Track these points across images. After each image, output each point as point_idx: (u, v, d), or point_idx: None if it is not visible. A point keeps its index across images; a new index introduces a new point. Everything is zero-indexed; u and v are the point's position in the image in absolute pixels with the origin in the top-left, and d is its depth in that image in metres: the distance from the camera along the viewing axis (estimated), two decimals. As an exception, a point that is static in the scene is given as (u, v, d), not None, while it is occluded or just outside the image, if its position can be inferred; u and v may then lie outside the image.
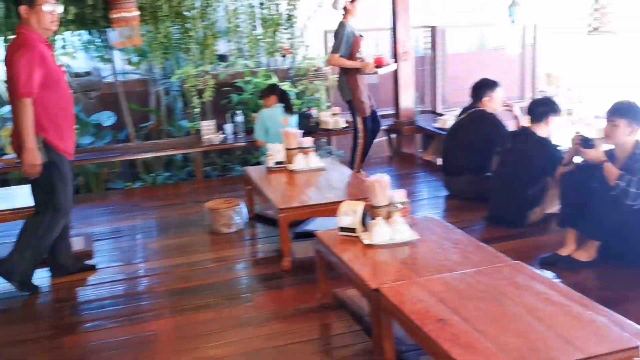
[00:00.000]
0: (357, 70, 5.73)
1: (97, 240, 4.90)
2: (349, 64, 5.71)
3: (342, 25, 5.74)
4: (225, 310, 3.63)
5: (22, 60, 3.62)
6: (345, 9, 5.76)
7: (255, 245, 4.79)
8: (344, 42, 5.67)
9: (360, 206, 3.41)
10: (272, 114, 6.10)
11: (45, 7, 3.71)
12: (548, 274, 3.45)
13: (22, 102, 3.63)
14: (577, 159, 3.96)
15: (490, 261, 2.92)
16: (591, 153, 3.72)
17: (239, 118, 6.77)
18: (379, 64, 5.81)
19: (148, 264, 4.49)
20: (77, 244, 4.54)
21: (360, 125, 5.85)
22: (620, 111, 3.69)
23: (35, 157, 3.69)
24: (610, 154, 3.75)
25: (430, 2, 8.75)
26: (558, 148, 4.59)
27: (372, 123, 5.93)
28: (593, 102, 7.10)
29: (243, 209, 5.10)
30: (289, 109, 6.12)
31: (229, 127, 6.71)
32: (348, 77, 5.77)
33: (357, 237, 3.32)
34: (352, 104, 5.85)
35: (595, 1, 4.67)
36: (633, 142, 3.68)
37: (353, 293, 3.37)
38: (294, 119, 6.16)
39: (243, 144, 6.67)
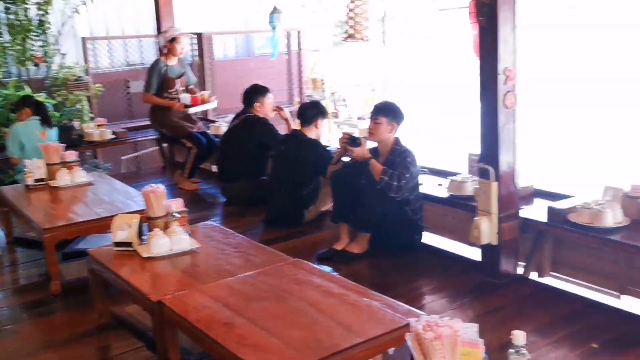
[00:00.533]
0: (168, 108, 5.88)
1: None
2: (159, 102, 5.87)
3: (156, 62, 5.96)
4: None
5: None
6: (165, 46, 5.92)
7: (16, 272, 4.32)
8: (155, 80, 5.85)
9: (135, 219, 3.26)
10: (26, 127, 5.58)
11: None
12: (326, 268, 3.60)
13: None
14: (346, 158, 4.20)
15: (271, 261, 2.96)
16: (357, 151, 3.96)
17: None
18: (194, 103, 5.91)
19: None
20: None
21: (188, 144, 5.88)
22: (382, 110, 4.01)
23: None
24: (374, 151, 4.04)
25: (195, 9, 8.71)
26: (328, 148, 4.84)
27: (207, 140, 5.96)
28: (356, 104, 7.66)
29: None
30: (46, 122, 5.66)
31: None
32: (156, 110, 5.97)
33: (134, 251, 3.16)
34: (166, 134, 6.10)
35: (349, 10, 5.00)
36: (393, 138, 4.01)
37: (134, 309, 3.19)
38: (53, 132, 5.72)
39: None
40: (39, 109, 5.71)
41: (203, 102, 6.01)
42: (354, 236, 4.06)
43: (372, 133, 4.02)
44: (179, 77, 6.07)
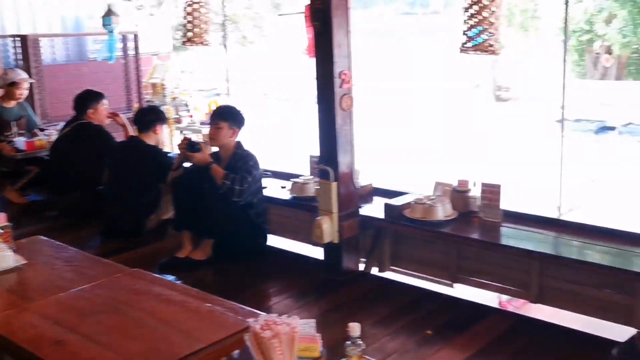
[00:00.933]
0: None
1: None
2: None
3: None
4: None
5: None
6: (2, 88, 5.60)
7: None
8: None
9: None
10: None
11: None
12: (169, 277, 3.49)
13: None
14: (187, 164, 4.10)
15: (107, 273, 2.80)
16: (198, 156, 3.89)
17: None
18: (28, 148, 5.53)
19: None
20: None
21: (29, 167, 5.52)
22: (222, 115, 3.97)
23: None
24: (216, 156, 3.98)
25: (19, 10, 8.09)
26: (168, 154, 4.70)
27: None
28: (199, 109, 7.55)
29: None
30: None
31: None
32: None
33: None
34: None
35: (187, 14, 4.90)
36: (235, 142, 3.98)
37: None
38: None
39: None
40: None
41: (40, 147, 5.61)
42: (198, 243, 3.98)
43: (212, 138, 3.97)
44: (17, 119, 5.78)
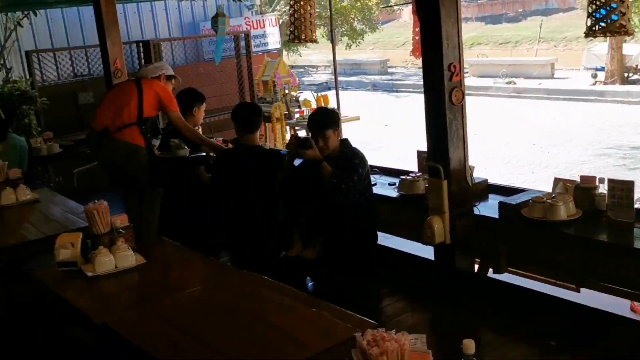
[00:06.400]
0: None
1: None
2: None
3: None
4: None
5: None
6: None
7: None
8: None
9: (78, 237, 3.14)
10: None
11: None
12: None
13: None
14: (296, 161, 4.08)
15: (220, 275, 2.88)
16: (309, 153, 3.80)
17: None
18: None
19: None
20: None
21: None
22: (324, 124, 3.87)
23: None
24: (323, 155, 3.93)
25: (142, 18, 8.54)
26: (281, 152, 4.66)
27: None
28: (309, 105, 7.54)
29: None
30: None
31: None
32: None
33: (78, 270, 3.03)
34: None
35: (294, 11, 4.91)
36: (339, 142, 3.92)
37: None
38: (14, 145, 5.51)
39: None
40: None
41: None
42: (308, 242, 3.96)
43: (323, 148, 3.84)
44: None
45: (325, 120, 3.92)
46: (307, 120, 7.14)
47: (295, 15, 4.83)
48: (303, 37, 4.84)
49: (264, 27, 10.17)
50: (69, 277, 3.01)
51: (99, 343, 2.51)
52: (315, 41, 4.96)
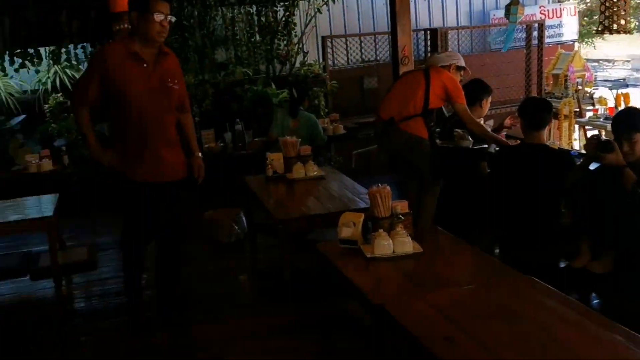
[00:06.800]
0: None
1: (101, 250, 5.02)
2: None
3: None
4: (231, 322, 3.68)
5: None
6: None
7: (256, 257, 4.65)
8: None
9: (360, 218, 3.26)
10: (283, 114, 6.00)
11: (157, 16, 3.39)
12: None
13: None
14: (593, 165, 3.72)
15: (500, 276, 2.75)
16: (611, 157, 3.45)
17: (239, 127, 6.61)
18: None
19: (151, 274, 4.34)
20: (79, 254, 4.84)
21: None
22: (635, 126, 3.52)
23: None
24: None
25: (432, 7, 8.64)
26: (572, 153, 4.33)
27: None
28: (605, 103, 6.90)
29: (243, 218, 4.94)
30: (291, 111, 6.00)
31: (228, 136, 6.56)
32: None
33: (358, 249, 3.16)
34: None
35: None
36: None
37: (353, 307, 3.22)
38: (307, 122, 6.01)
39: (243, 152, 6.51)
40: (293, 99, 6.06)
41: None
42: (598, 253, 3.61)
43: (628, 154, 3.48)
44: None
45: (634, 121, 3.52)
46: (602, 119, 6.59)
47: (607, 4, 4.40)
48: (615, 28, 4.39)
49: (560, 16, 9.53)
50: (349, 254, 3.14)
51: (376, 322, 2.57)
52: (629, 32, 4.47)
